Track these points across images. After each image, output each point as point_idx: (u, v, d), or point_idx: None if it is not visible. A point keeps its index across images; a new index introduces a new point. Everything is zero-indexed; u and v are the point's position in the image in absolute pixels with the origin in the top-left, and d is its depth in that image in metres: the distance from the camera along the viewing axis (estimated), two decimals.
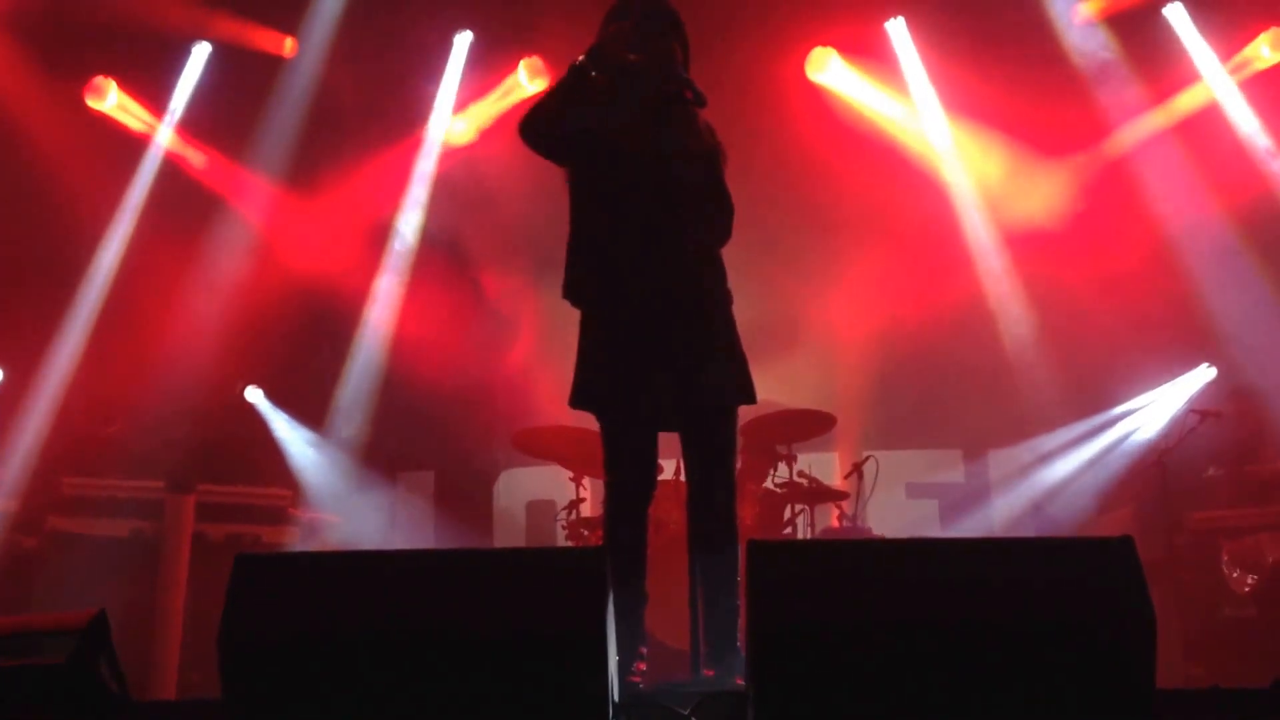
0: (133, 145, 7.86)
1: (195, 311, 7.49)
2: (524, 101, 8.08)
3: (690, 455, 3.53)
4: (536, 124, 3.51)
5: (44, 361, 7.27)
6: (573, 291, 3.57)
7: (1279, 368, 6.67)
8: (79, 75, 7.67)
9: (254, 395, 7.64)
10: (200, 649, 5.80)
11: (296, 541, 6.69)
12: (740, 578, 3.33)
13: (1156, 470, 6.34)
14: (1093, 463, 7.21)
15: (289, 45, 7.90)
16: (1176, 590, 6.04)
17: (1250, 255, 7.13)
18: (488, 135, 8.17)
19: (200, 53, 7.91)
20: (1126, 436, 7.17)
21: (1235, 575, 6.08)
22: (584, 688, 2.69)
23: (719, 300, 3.55)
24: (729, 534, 3.49)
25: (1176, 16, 7.48)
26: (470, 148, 8.20)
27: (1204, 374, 6.95)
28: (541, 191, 7.22)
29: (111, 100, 7.77)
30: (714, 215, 3.54)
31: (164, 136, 7.90)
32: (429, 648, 2.68)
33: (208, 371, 7.35)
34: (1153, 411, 7.13)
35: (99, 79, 7.72)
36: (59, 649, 2.90)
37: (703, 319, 3.48)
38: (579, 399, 3.55)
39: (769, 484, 6.34)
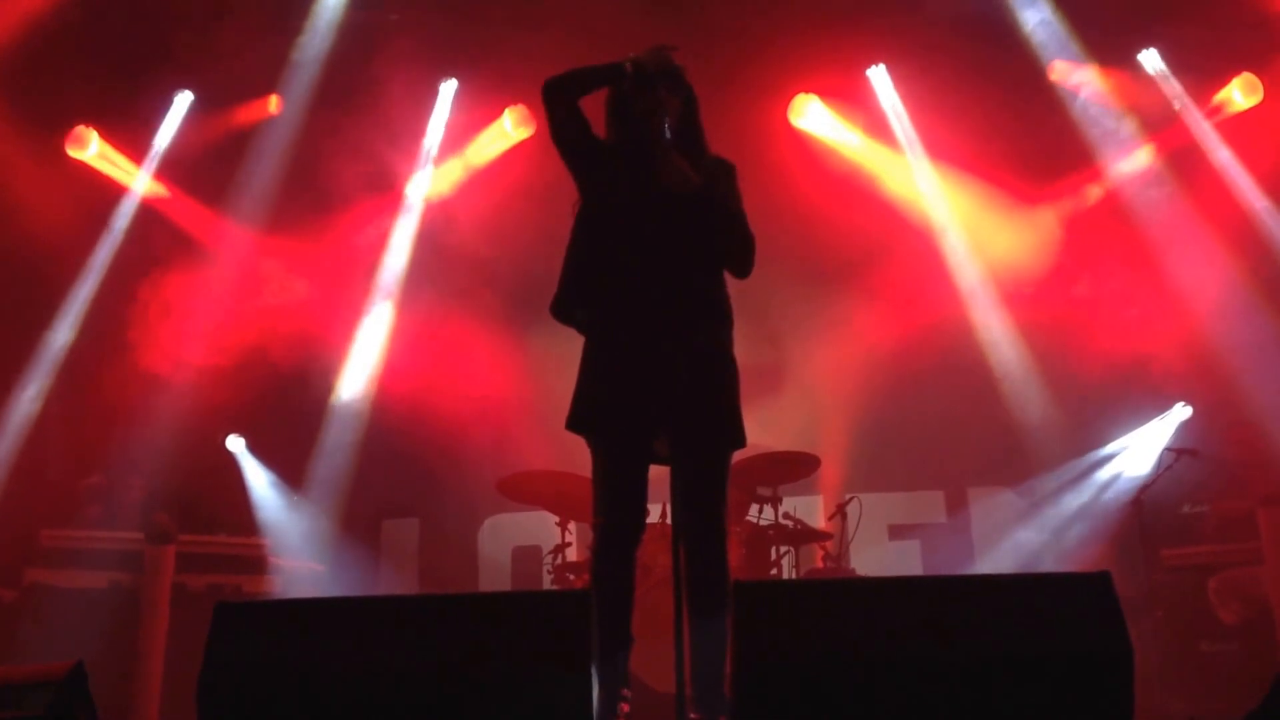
0: (112, 193, 7.87)
1: (176, 360, 7.47)
2: (511, 148, 8.20)
3: (680, 497, 3.52)
4: (560, 88, 3.64)
5: (13, 411, 7.23)
6: (565, 312, 3.59)
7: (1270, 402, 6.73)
8: (60, 124, 7.70)
9: (235, 444, 7.61)
10: (180, 701, 5.69)
11: (278, 591, 6.64)
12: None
13: (1134, 508, 6.40)
14: (1073, 502, 7.24)
15: (274, 103, 7.96)
16: (1154, 625, 6.06)
17: (1241, 288, 7.19)
18: (472, 181, 8.23)
19: (182, 101, 7.97)
20: (1107, 477, 7.20)
21: (1224, 606, 6.10)
22: None
23: (720, 343, 3.57)
24: (719, 577, 3.47)
25: (1152, 62, 7.63)
26: (455, 193, 8.25)
27: (1180, 413, 7.01)
28: (527, 236, 7.36)
29: (93, 149, 7.80)
30: (722, 250, 3.57)
31: (145, 184, 7.92)
32: (410, 693, 2.66)
33: (188, 421, 7.32)
34: (1133, 453, 7.17)
35: (80, 128, 7.75)
36: (37, 701, 2.87)
37: (702, 361, 3.50)
38: (574, 421, 3.56)
39: (750, 518, 6.34)
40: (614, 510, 3.51)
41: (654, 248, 3.49)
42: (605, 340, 3.56)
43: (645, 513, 3.58)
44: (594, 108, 3.70)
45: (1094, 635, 2.72)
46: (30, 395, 7.30)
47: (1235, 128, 7.46)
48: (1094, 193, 7.76)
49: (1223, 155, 7.45)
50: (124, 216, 7.85)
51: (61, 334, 7.53)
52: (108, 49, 7.48)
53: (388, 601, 3.15)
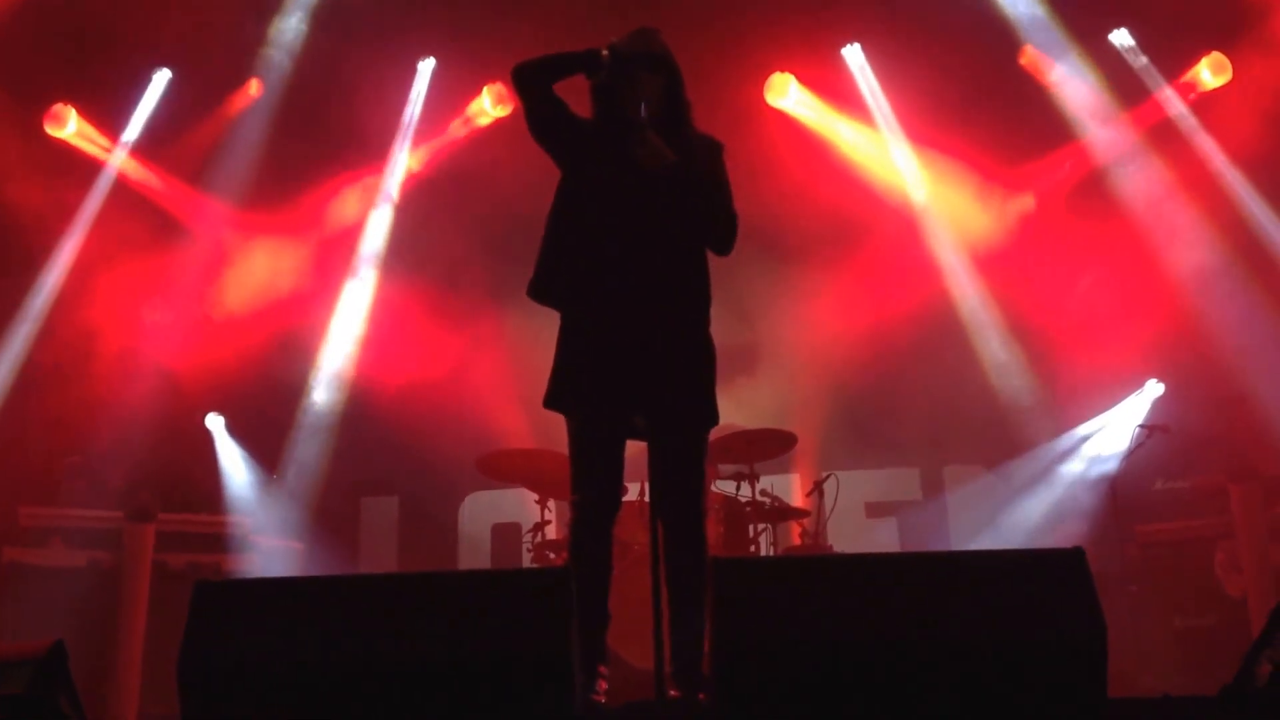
0: (90, 170, 7.81)
1: (155, 337, 7.44)
2: (488, 126, 8.18)
3: (658, 476, 3.54)
4: (533, 71, 3.61)
5: None
6: (542, 291, 3.59)
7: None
8: (39, 102, 7.62)
9: (214, 422, 7.59)
10: (161, 680, 5.72)
11: (258, 569, 6.64)
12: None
13: (1108, 484, 6.47)
14: (1048, 479, 7.30)
15: (254, 87, 7.91)
16: (1129, 601, 6.14)
17: (1215, 263, 7.23)
18: (451, 158, 8.20)
19: (160, 79, 7.90)
20: (1082, 454, 7.27)
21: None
22: (549, 708, 2.70)
23: (697, 323, 3.58)
24: (697, 555, 3.50)
25: (1122, 41, 7.66)
26: (434, 171, 8.22)
27: (1153, 389, 7.08)
28: (504, 215, 7.34)
29: (71, 128, 7.73)
30: (700, 227, 3.57)
31: (123, 162, 7.86)
32: (391, 671, 2.68)
33: (168, 398, 7.29)
34: (1109, 431, 7.22)
35: (59, 106, 7.68)
36: (17, 679, 2.87)
37: (679, 341, 3.51)
38: (552, 399, 3.58)
39: (726, 490, 6.36)
40: (591, 486, 3.53)
41: (631, 227, 3.50)
42: (582, 318, 3.57)
43: (622, 489, 3.60)
44: (577, 87, 3.68)
45: (1067, 611, 2.76)
46: (6, 371, 7.25)
47: (1206, 104, 7.50)
48: (1069, 171, 7.79)
49: (1195, 131, 7.49)
50: (102, 193, 7.79)
51: (38, 308, 7.47)
52: (85, 26, 7.39)
53: (367, 580, 3.16)
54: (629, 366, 3.45)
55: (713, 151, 3.69)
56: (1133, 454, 6.50)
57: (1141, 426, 6.62)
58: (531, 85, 3.62)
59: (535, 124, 3.65)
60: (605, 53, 3.58)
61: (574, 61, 3.61)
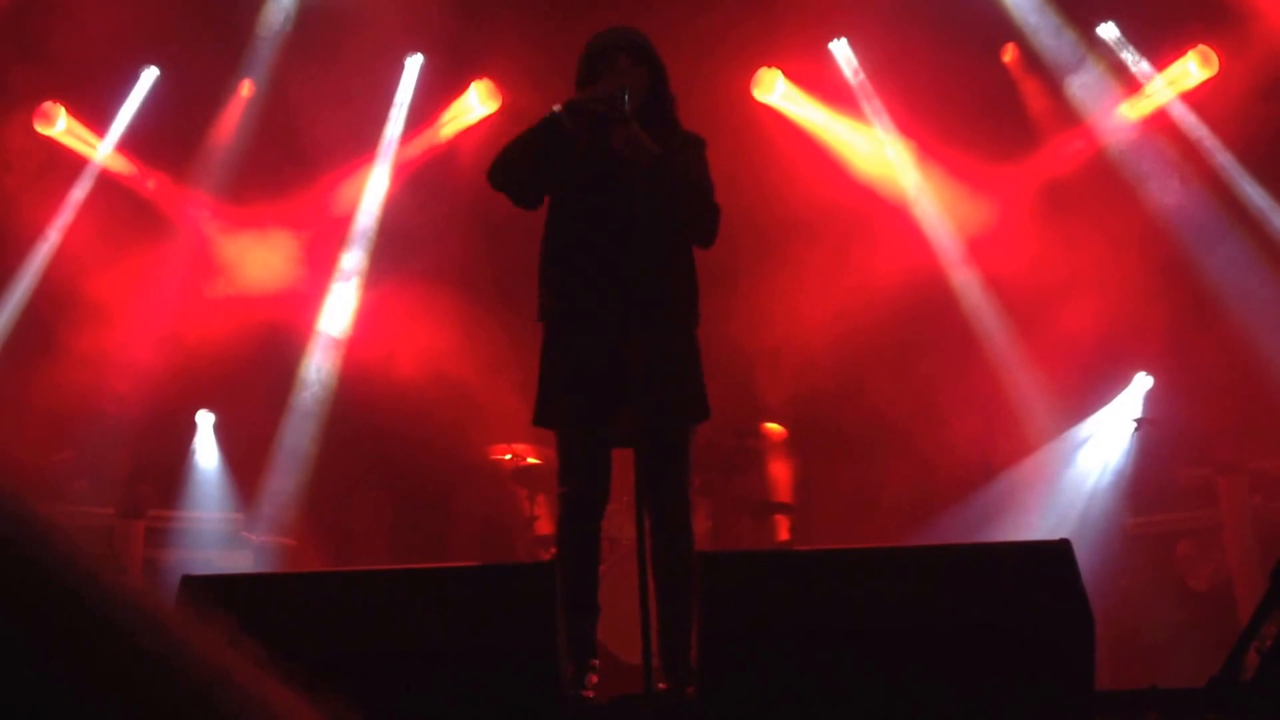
0: (80, 168, 7.79)
1: (146, 335, 7.42)
2: (476, 122, 8.16)
3: (646, 470, 3.52)
4: (504, 168, 3.59)
5: None
6: (545, 313, 3.61)
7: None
8: (28, 100, 7.60)
9: (203, 419, 7.57)
10: None
11: (250, 566, 6.63)
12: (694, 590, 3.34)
13: (1097, 478, 6.48)
14: (1040, 474, 7.29)
15: (246, 88, 7.90)
16: (1119, 593, 6.15)
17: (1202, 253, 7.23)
18: (439, 157, 8.19)
19: (148, 76, 7.89)
20: (1072, 451, 7.26)
21: (1191, 573, 6.18)
22: (535, 702, 2.70)
23: (682, 318, 3.59)
24: (684, 549, 3.50)
25: (1110, 34, 7.67)
26: (422, 169, 8.21)
27: (1143, 383, 7.08)
28: (496, 208, 7.30)
29: (60, 126, 7.71)
30: (682, 221, 3.58)
31: (113, 160, 7.86)
32: (376, 667, 2.67)
33: (158, 393, 7.28)
34: (1103, 429, 7.21)
35: (48, 104, 7.65)
36: None
37: (663, 335, 3.51)
38: (541, 418, 3.58)
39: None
40: (578, 481, 3.53)
41: (615, 222, 3.49)
42: (565, 321, 3.57)
43: (609, 483, 3.61)
44: (555, 77, 3.66)
45: (1054, 603, 2.77)
46: None
47: (1196, 96, 7.50)
48: (1056, 164, 7.79)
49: (1186, 120, 7.49)
50: (90, 189, 7.77)
51: (19, 296, 7.45)
52: (74, 22, 7.37)
53: (354, 576, 3.16)
54: (613, 366, 3.44)
55: (696, 147, 3.69)
56: (1125, 448, 6.50)
57: (1131, 420, 6.63)
58: (519, 181, 3.58)
59: (535, 197, 3.62)
60: (558, 108, 3.51)
61: (539, 136, 3.53)
